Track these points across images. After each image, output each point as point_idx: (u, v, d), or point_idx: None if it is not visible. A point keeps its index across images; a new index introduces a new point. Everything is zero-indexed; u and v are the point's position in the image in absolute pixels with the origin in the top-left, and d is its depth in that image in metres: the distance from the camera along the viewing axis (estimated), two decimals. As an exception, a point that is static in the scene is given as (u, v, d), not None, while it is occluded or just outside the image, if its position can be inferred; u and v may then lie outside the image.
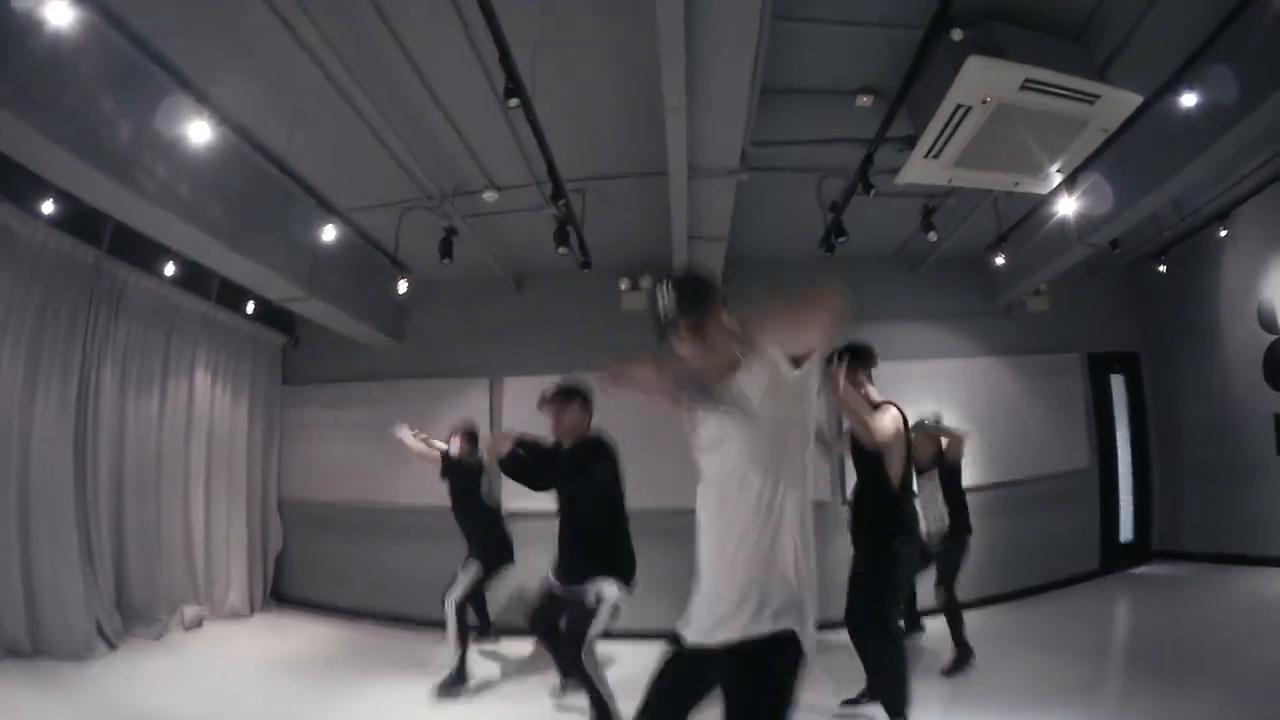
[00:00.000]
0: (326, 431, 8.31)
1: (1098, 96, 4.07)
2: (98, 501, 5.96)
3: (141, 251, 6.15)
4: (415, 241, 6.57)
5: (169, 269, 6.55)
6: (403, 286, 6.68)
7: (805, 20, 4.10)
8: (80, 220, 5.52)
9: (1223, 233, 7.35)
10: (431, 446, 5.89)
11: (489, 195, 5.97)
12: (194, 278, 6.86)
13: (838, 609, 4.09)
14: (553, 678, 4.98)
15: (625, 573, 4.09)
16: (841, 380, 3.89)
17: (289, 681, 5.44)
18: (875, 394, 4.20)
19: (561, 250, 5.71)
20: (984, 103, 3.98)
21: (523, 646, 6.09)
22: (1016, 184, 4.95)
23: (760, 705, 1.87)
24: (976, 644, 5.21)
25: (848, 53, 4.49)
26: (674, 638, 2.08)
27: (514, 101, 3.74)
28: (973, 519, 5.50)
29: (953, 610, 5.27)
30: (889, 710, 3.90)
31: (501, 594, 6.51)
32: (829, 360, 3.80)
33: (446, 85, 4.69)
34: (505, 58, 3.63)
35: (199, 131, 4.18)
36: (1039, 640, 5.94)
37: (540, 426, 4.37)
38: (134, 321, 6.49)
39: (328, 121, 4.96)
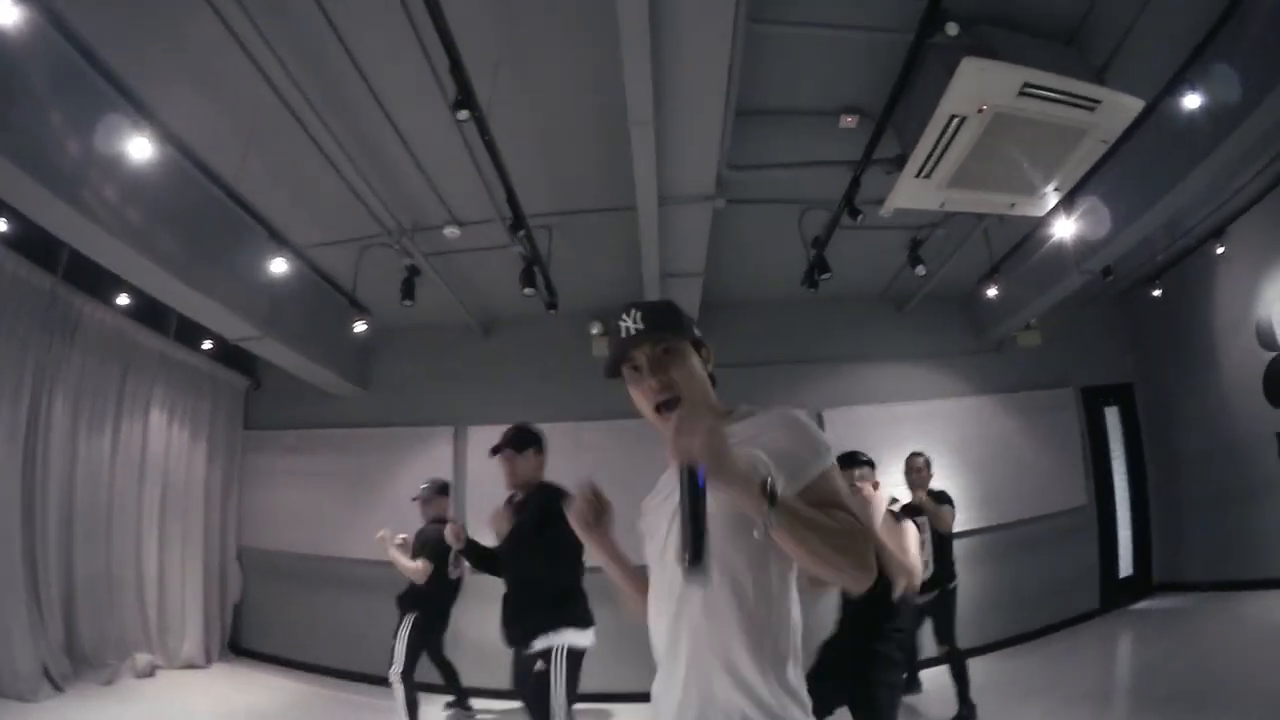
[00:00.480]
0: (289, 478, 8.04)
1: (1099, 102, 3.84)
2: (46, 538, 5.73)
3: (98, 281, 5.94)
4: (378, 284, 6.39)
5: (124, 300, 6.32)
6: (360, 327, 6.44)
7: (781, 23, 3.84)
8: (36, 245, 5.33)
9: (1219, 250, 7.28)
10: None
11: (450, 231, 5.77)
12: (152, 311, 6.63)
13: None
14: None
15: (581, 620, 3.75)
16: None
17: None
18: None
19: (528, 291, 5.45)
20: (980, 111, 3.72)
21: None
22: (1012, 205, 4.71)
23: None
24: (979, 694, 5.06)
25: (829, 69, 4.27)
26: None
27: (464, 114, 3.42)
28: (970, 564, 5.28)
29: (958, 665, 5.12)
30: None
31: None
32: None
33: (405, 112, 4.50)
34: (456, 67, 3.35)
35: (140, 148, 3.97)
36: (1042, 688, 5.75)
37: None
38: (88, 354, 6.28)
39: (282, 149, 4.76)
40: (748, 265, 6.81)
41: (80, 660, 5.94)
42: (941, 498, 5.44)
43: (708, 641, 1.47)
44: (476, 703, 6.13)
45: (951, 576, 5.34)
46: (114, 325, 6.47)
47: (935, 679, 5.50)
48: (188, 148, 4.46)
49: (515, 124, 4.44)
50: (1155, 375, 8.56)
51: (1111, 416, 8.61)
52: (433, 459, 7.49)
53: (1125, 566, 8.31)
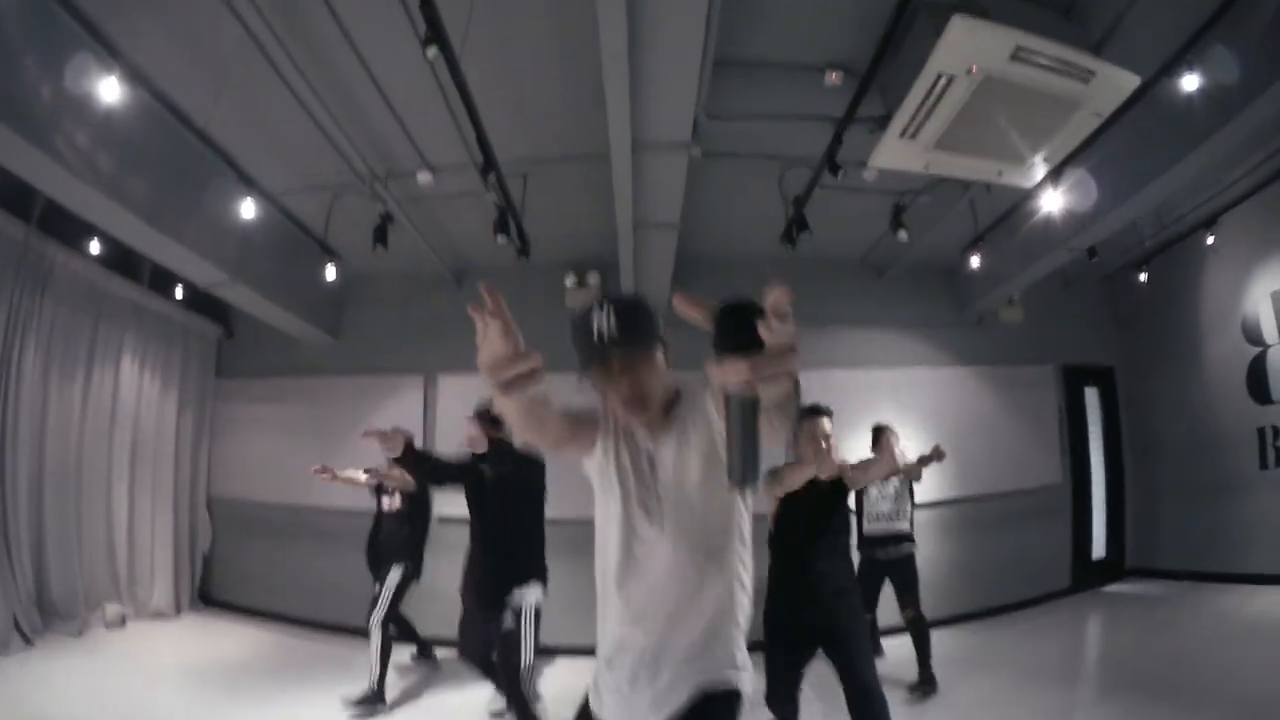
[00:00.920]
0: (260, 427, 8.00)
1: (1093, 74, 3.73)
2: (16, 489, 5.69)
3: (71, 229, 5.88)
4: (351, 232, 6.31)
5: (95, 248, 6.23)
6: (331, 272, 6.41)
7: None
8: (9, 193, 5.24)
9: (1210, 240, 7.25)
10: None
11: (423, 176, 5.64)
12: (124, 260, 6.57)
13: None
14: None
15: (542, 574, 3.83)
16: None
17: (208, 687, 5.22)
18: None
19: (500, 239, 5.39)
20: (969, 73, 3.61)
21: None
22: (999, 173, 4.60)
23: None
24: (942, 665, 5.06)
25: (816, 24, 4.13)
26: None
27: (432, 50, 3.31)
28: (941, 534, 5.29)
29: (921, 632, 5.11)
30: None
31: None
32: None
33: (379, 54, 4.37)
34: (426, 3, 3.25)
35: (110, 89, 3.90)
36: (1007, 663, 5.76)
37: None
38: (60, 303, 6.19)
39: (254, 91, 4.63)
40: (725, 220, 6.71)
41: (50, 612, 5.92)
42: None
43: (674, 605, 1.71)
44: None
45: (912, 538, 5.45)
46: (86, 274, 6.39)
47: (896, 648, 5.49)
48: (159, 90, 4.35)
49: (491, 69, 4.34)
50: (1137, 360, 8.59)
51: (1091, 397, 8.63)
52: (403, 407, 7.48)
53: (1099, 549, 8.35)
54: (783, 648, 3.50)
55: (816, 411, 3.66)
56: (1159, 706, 4.24)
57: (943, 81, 3.68)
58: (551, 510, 4.18)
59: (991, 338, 8.15)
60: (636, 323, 1.67)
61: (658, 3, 3.36)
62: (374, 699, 4.82)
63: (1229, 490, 7.21)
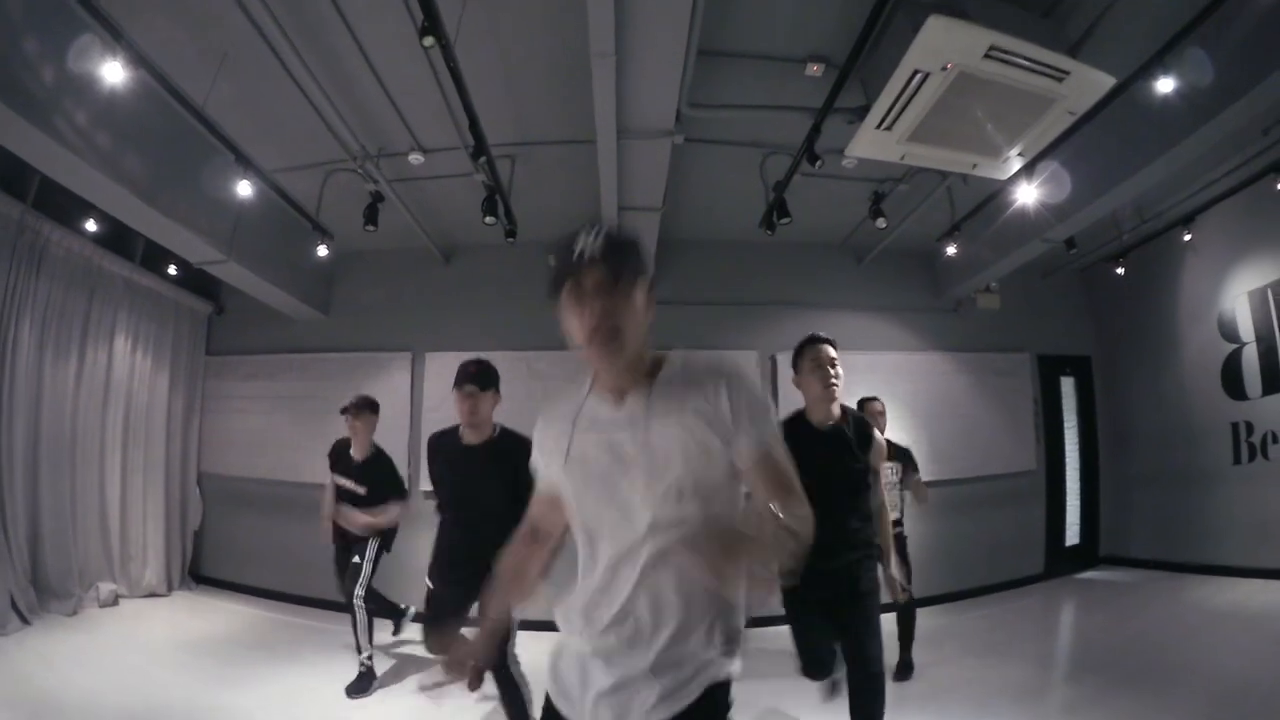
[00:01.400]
0: (249, 403, 8.02)
1: (1067, 73, 3.86)
2: (12, 469, 5.75)
3: (66, 208, 5.95)
4: (341, 210, 6.35)
5: (91, 226, 6.30)
6: (323, 250, 6.47)
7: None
8: (4, 172, 5.30)
9: (1187, 237, 7.37)
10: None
11: (414, 157, 5.74)
12: (118, 238, 6.59)
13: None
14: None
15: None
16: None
17: (204, 663, 5.26)
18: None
19: (489, 220, 5.52)
20: (944, 69, 3.74)
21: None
22: (974, 165, 4.74)
23: None
24: (917, 644, 5.15)
25: (798, 16, 4.24)
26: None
27: (429, 40, 3.42)
28: (915, 517, 5.43)
29: (908, 615, 5.14)
30: None
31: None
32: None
33: (373, 38, 4.45)
34: (425, -4, 3.35)
35: (112, 71, 3.90)
36: (980, 644, 5.88)
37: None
38: (55, 281, 6.23)
39: (251, 71, 4.71)
40: (707, 205, 6.82)
41: (45, 591, 5.97)
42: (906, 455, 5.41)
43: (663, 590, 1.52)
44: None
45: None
46: (80, 252, 6.43)
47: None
48: (157, 70, 4.39)
49: (481, 55, 4.44)
50: (1113, 352, 8.70)
51: (1067, 386, 8.73)
52: (391, 384, 7.58)
53: (1073, 535, 8.47)
54: (807, 616, 3.38)
55: (816, 339, 3.39)
56: (1125, 688, 4.35)
57: (918, 77, 3.81)
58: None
59: (969, 324, 8.26)
60: (622, 248, 1.54)
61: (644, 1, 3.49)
62: (367, 676, 4.89)
63: (1202, 483, 7.35)
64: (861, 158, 4.77)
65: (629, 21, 3.57)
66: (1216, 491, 7.20)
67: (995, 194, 5.83)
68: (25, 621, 5.48)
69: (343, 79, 4.83)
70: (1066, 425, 8.66)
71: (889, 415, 5.63)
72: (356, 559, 5.07)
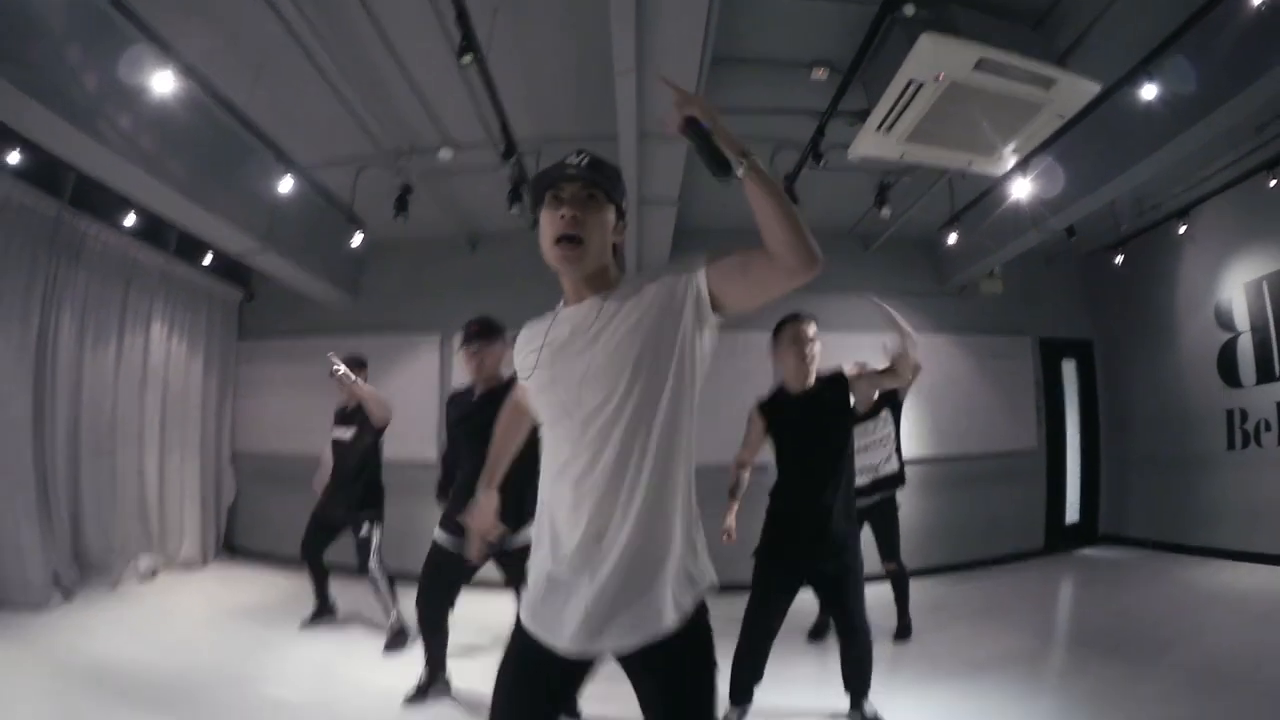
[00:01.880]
0: (280, 386, 8.32)
1: (1054, 82, 4.11)
2: (55, 451, 5.96)
3: (102, 204, 6.16)
4: (371, 199, 6.54)
5: (129, 220, 6.50)
6: (357, 239, 6.72)
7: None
8: (43, 172, 5.54)
9: (1182, 229, 7.46)
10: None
11: (444, 153, 5.93)
12: (153, 230, 6.81)
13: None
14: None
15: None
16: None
17: (240, 630, 5.46)
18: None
19: (514, 210, 5.78)
20: (937, 79, 4.00)
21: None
22: (970, 163, 4.99)
23: (695, 699, 1.62)
24: (916, 612, 5.31)
25: (803, 24, 4.49)
26: (520, 635, 1.69)
27: (467, 59, 3.73)
28: (919, 491, 5.33)
29: (902, 583, 5.28)
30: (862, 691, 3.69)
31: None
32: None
33: (405, 42, 4.67)
34: (461, 16, 3.64)
35: (163, 82, 4.11)
36: (977, 611, 6.04)
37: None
38: (93, 273, 6.48)
39: (288, 76, 4.94)
40: (721, 194, 6.90)
41: (87, 567, 6.17)
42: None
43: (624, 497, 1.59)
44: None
45: (903, 479, 5.31)
46: (117, 245, 6.66)
47: (876, 595, 5.54)
48: (201, 77, 4.59)
49: (508, 57, 4.64)
50: (1113, 337, 8.80)
51: (1068, 368, 8.83)
52: (419, 366, 7.92)
53: (1072, 513, 8.60)
54: (775, 591, 3.47)
55: (796, 316, 3.57)
56: (1112, 657, 4.49)
57: (913, 87, 4.08)
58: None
59: (972, 308, 8.45)
60: (605, 168, 1.73)
61: (663, 20, 3.75)
62: (402, 633, 5.04)
63: (1197, 467, 7.49)
64: (864, 157, 5.00)
65: (649, 34, 3.84)
66: (1211, 476, 7.36)
67: (993, 187, 6.02)
68: (68, 597, 5.67)
69: (378, 83, 5.07)
70: (1068, 407, 8.78)
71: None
72: (364, 533, 5.26)
